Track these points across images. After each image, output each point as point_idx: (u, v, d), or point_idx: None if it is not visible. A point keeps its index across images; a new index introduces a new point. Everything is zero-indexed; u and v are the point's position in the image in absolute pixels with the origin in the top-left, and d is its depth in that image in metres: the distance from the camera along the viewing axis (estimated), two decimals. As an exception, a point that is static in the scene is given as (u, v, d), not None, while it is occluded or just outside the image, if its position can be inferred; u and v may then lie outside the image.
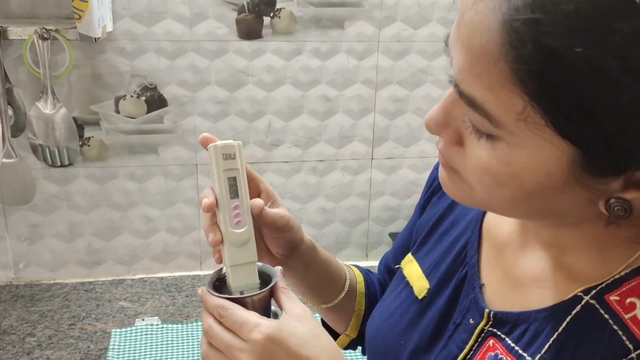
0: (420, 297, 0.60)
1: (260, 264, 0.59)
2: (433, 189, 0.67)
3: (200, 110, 1.35)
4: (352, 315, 0.74)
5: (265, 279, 0.58)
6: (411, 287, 0.62)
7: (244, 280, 0.57)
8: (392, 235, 1.52)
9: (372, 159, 1.48)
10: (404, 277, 0.64)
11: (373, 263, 1.58)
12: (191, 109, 1.35)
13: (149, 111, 1.31)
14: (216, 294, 0.55)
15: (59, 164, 1.23)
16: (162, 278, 1.45)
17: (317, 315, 0.76)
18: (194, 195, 1.42)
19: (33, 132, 1.20)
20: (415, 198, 1.53)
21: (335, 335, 0.77)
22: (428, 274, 0.61)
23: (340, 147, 1.45)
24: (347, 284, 0.73)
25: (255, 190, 0.63)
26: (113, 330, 1.25)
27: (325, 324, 0.77)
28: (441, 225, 0.63)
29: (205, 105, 1.35)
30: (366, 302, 0.74)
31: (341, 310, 0.73)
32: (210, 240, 0.57)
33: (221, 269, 0.60)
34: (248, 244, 0.57)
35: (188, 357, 1.19)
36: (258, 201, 0.59)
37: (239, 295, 0.56)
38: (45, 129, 1.20)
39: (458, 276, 0.57)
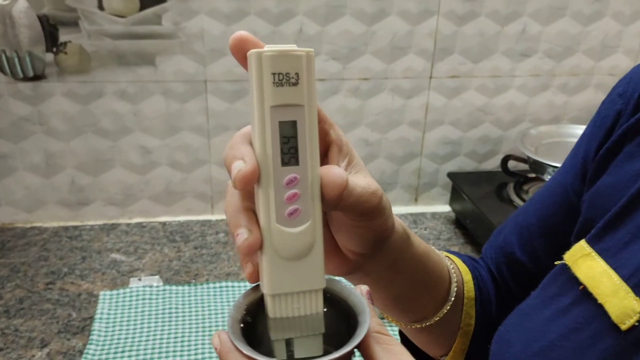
0: (624, 327, 0.37)
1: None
2: (626, 129, 0.41)
3: (210, 8, 1.07)
4: (457, 334, 0.50)
5: (334, 308, 0.32)
6: (599, 305, 0.38)
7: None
8: (452, 176, 1.23)
9: (430, 77, 1.19)
10: (575, 283, 0.40)
11: (423, 209, 1.33)
12: (198, 5, 1.07)
13: (142, 8, 1.06)
14: (249, 351, 0.28)
15: (21, 75, 0.93)
16: (164, 223, 1.21)
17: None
18: (203, 121, 1.14)
19: (-17, 30, 0.90)
20: (484, 130, 1.23)
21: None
22: (635, 284, 0.37)
23: (391, 62, 1.16)
24: (454, 289, 0.48)
25: (321, 144, 0.34)
26: (102, 292, 0.99)
27: (405, 341, 0.52)
28: None
29: (216, 1, 1.07)
30: (477, 313, 0.50)
31: (440, 327, 0.49)
32: (239, 243, 0.31)
33: (254, 287, 0.33)
34: (310, 255, 0.31)
35: (197, 329, 0.93)
36: (336, 172, 0.32)
37: (302, 357, 0.28)
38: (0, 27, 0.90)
39: None
